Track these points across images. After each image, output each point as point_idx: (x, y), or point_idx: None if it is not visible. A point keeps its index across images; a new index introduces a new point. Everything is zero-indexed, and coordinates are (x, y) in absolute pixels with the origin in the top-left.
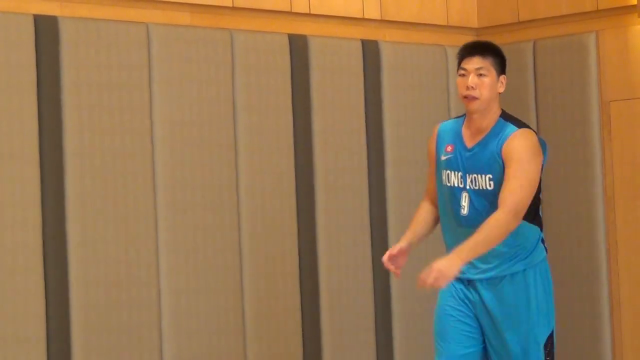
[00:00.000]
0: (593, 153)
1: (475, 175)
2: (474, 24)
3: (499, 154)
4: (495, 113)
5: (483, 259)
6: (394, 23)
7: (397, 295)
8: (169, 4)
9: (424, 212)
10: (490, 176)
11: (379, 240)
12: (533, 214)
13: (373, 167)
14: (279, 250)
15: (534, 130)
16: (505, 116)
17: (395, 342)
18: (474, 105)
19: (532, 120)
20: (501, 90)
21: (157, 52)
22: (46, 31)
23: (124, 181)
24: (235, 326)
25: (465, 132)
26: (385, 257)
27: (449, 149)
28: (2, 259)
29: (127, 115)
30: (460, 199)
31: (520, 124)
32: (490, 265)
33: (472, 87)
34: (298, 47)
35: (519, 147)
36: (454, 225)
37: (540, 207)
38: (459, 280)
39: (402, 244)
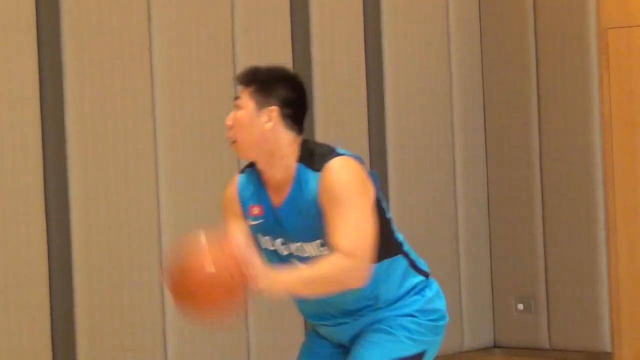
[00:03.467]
0: (591, 81)
1: (300, 243)
2: None
3: (319, 208)
4: (286, 157)
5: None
6: None
7: None
8: None
9: None
10: (320, 241)
11: None
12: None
13: (372, 95)
14: None
15: (353, 155)
16: (304, 159)
17: None
18: (237, 150)
19: (531, 49)
20: (268, 126)
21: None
22: None
23: (126, 137)
24: None
25: (267, 186)
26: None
27: (256, 211)
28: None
29: (128, 58)
30: (291, 264)
31: (321, 162)
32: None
33: (228, 125)
34: None
35: (338, 183)
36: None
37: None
38: None
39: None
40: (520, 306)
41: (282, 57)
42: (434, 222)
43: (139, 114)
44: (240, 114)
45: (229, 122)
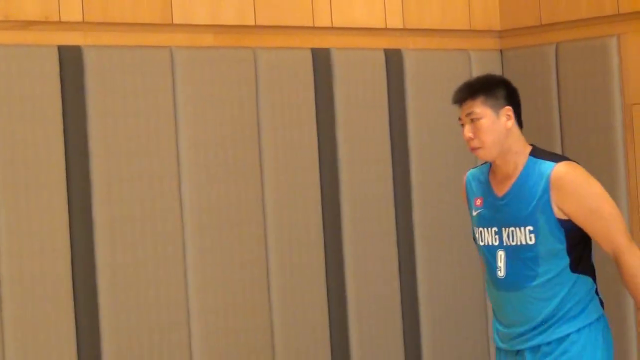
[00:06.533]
0: (616, 157)
1: (513, 228)
2: (497, 27)
3: (547, 201)
4: (519, 153)
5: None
6: (416, 31)
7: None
8: (192, 26)
9: None
10: (531, 228)
11: (405, 250)
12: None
13: (398, 175)
14: (306, 263)
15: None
16: (536, 152)
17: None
18: (482, 155)
19: (554, 124)
20: (509, 124)
21: (182, 75)
22: (70, 61)
23: (151, 205)
24: (264, 343)
25: (492, 180)
26: None
27: (479, 202)
28: (31, 287)
29: (154, 140)
30: (496, 258)
31: (556, 158)
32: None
33: (470, 137)
34: (321, 60)
35: (575, 185)
36: (492, 289)
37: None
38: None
39: None
40: None
41: None
42: None
43: (166, 196)
44: (481, 122)
45: (469, 134)
